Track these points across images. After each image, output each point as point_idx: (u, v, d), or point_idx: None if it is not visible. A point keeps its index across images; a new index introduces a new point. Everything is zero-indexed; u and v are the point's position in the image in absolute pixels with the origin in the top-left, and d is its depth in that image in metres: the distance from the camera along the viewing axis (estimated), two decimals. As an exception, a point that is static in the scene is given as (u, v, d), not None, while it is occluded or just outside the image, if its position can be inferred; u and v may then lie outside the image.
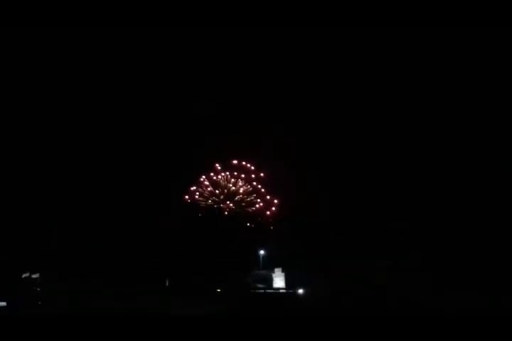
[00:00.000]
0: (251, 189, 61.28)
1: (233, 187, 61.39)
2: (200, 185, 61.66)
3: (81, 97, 55.22)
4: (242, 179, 61.57)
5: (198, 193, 61.38)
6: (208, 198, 61.20)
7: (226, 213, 58.57)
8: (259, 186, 61.41)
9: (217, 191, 61.55)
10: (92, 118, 55.20)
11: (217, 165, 62.20)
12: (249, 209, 59.81)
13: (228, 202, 60.30)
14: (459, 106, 51.16)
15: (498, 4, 44.34)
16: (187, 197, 60.67)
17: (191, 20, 49.86)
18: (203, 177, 61.82)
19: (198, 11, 49.06)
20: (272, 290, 49.45)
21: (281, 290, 49.52)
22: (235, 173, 61.93)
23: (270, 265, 51.53)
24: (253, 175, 61.77)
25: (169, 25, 51.10)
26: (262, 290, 49.18)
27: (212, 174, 62.07)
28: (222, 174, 62.16)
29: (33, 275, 45.54)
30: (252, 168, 61.83)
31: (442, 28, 48.27)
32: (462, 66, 49.88)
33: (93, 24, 49.73)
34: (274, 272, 50.97)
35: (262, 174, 61.38)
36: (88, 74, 54.51)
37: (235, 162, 62.11)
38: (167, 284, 48.67)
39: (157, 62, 55.93)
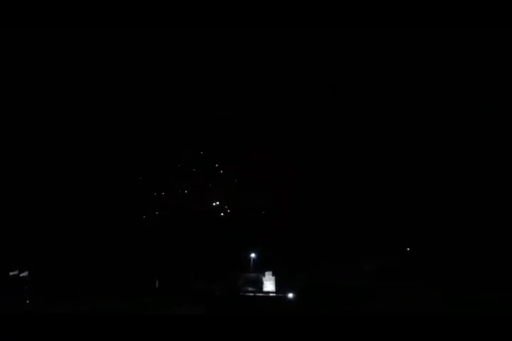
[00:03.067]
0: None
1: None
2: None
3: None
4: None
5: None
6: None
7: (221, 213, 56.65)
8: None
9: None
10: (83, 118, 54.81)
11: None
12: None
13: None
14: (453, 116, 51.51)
15: (498, 4, 44.69)
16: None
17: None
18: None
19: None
20: (262, 294, 49.26)
21: (271, 294, 49.36)
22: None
23: (261, 268, 51.38)
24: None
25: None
26: (252, 293, 48.98)
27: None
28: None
29: (22, 274, 44.96)
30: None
31: (442, 28, 48.54)
32: (462, 66, 50.16)
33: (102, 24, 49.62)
34: (264, 275, 50.80)
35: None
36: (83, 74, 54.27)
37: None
38: (157, 284, 48.47)
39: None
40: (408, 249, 51.43)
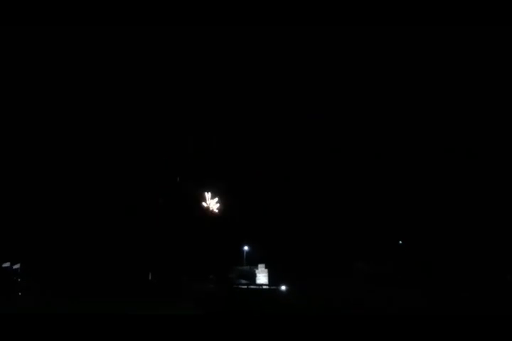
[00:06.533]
0: None
1: None
2: None
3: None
4: None
5: None
6: None
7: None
8: None
9: None
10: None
11: None
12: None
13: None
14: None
15: (498, 4, 44.42)
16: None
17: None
18: None
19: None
20: (255, 286, 49.61)
21: (264, 287, 49.72)
22: None
23: (254, 261, 51.62)
24: None
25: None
26: (245, 286, 49.30)
27: None
28: None
29: (14, 266, 44.84)
30: None
31: (442, 28, 48.22)
32: (462, 66, 49.98)
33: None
34: (257, 268, 51.10)
35: None
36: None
37: None
38: (150, 278, 48.66)
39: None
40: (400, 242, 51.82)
